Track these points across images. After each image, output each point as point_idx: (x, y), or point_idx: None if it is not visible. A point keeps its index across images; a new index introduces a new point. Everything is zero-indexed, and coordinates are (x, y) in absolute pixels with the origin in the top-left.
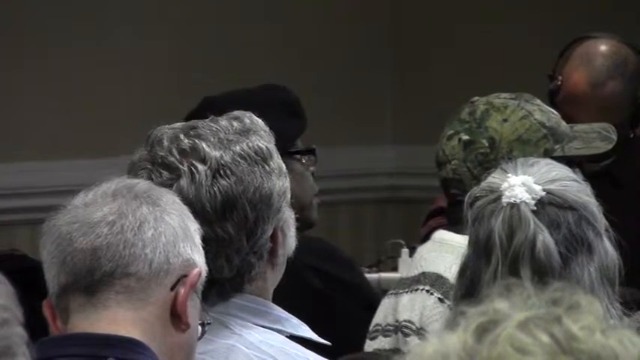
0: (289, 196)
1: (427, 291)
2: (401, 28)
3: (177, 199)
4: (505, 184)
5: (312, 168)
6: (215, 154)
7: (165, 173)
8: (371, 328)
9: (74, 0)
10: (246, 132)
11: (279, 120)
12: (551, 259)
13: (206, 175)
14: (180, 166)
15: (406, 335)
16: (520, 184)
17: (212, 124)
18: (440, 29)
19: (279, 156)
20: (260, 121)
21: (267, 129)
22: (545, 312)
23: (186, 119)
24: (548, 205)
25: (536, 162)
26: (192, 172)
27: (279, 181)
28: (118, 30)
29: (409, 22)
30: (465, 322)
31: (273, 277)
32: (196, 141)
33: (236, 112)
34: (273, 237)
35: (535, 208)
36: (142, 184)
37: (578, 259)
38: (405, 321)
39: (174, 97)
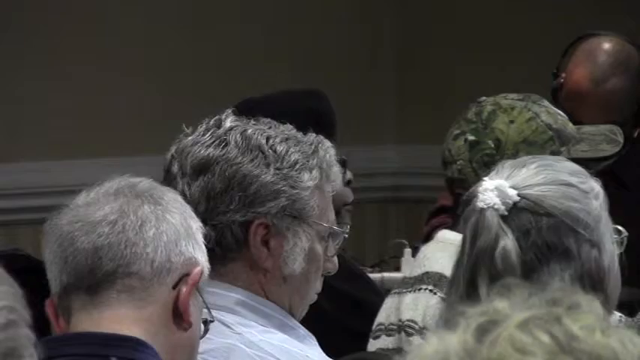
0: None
1: (430, 290)
2: (403, 27)
3: (179, 198)
4: (481, 188)
5: (348, 176)
6: (237, 124)
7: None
8: (374, 327)
9: (75, 0)
10: (294, 139)
11: (305, 129)
12: (509, 267)
13: (211, 135)
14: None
15: (409, 335)
16: (493, 188)
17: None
18: (442, 29)
19: (316, 177)
20: (327, 151)
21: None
22: (545, 312)
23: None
24: (523, 211)
25: (530, 163)
26: (207, 128)
27: (281, 186)
28: (118, 30)
29: (411, 21)
30: (465, 322)
31: (272, 290)
32: (242, 119)
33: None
34: (249, 228)
35: (506, 213)
36: (143, 182)
37: (550, 266)
38: (408, 320)
39: (175, 98)
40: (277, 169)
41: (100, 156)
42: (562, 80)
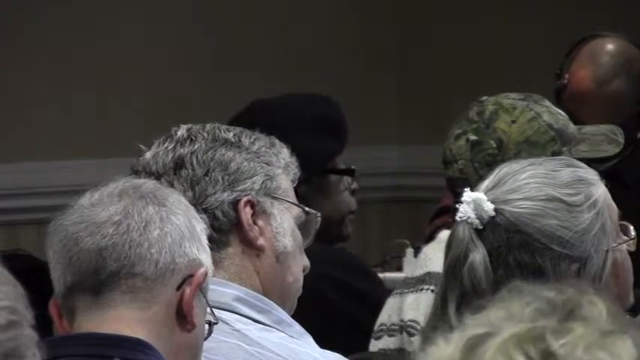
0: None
1: (432, 291)
2: (404, 27)
3: (183, 199)
4: (462, 199)
5: (353, 185)
6: (194, 126)
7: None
8: (376, 327)
9: (75, 0)
10: (253, 134)
11: (316, 136)
12: (476, 282)
13: (171, 141)
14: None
15: (411, 335)
16: (470, 201)
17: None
18: (443, 29)
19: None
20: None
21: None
22: (531, 327)
23: (233, 120)
24: (498, 227)
25: (522, 172)
26: (162, 141)
27: (257, 163)
28: (119, 30)
29: (412, 21)
30: (460, 333)
31: (266, 272)
32: (214, 127)
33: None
34: (237, 206)
35: (481, 227)
36: (148, 183)
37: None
38: (410, 320)
39: (175, 98)
40: (247, 151)
41: (100, 156)
42: (565, 81)
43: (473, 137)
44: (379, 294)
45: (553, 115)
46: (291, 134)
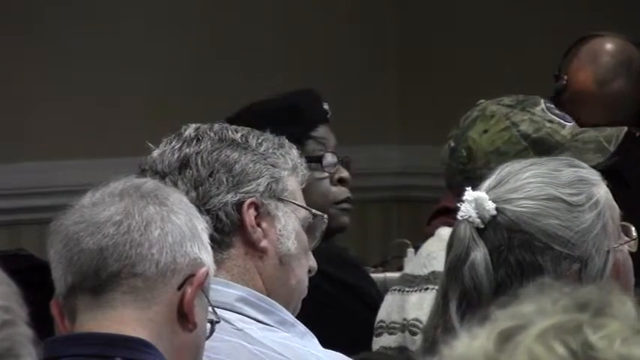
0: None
1: (437, 290)
2: (405, 27)
3: (185, 199)
4: (463, 197)
5: (337, 175)
6: (202, 126)
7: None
8: (375, 324)
9: (75, 0)
10: (261, 134)
11: (276, 125)
12: (477, 281)
13: (178, 140)
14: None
15: (414, 334)
16: (472, 199)
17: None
18: (444, 29)
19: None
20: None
21: (299, 160)
22: (568, 319)
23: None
24: (499, 226)
25: (525, 171)
26: (170, 140)
27: (262, 164)
28: (120, 30)
29: (413, 21)
30: (491, 325)
31: (269, 274)
32: (222, 126)
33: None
34: (241, 209)
35: (482, 226)
36: (149, 183)
37: (522, 284)
38: (413, 319)
39: (176, 98)
40: (254, 153)
41: (100, 156)
42: (564, 82)
43: (452, 144)
44: (368, 289)
45: (535, 122)
46: (252, 125)
